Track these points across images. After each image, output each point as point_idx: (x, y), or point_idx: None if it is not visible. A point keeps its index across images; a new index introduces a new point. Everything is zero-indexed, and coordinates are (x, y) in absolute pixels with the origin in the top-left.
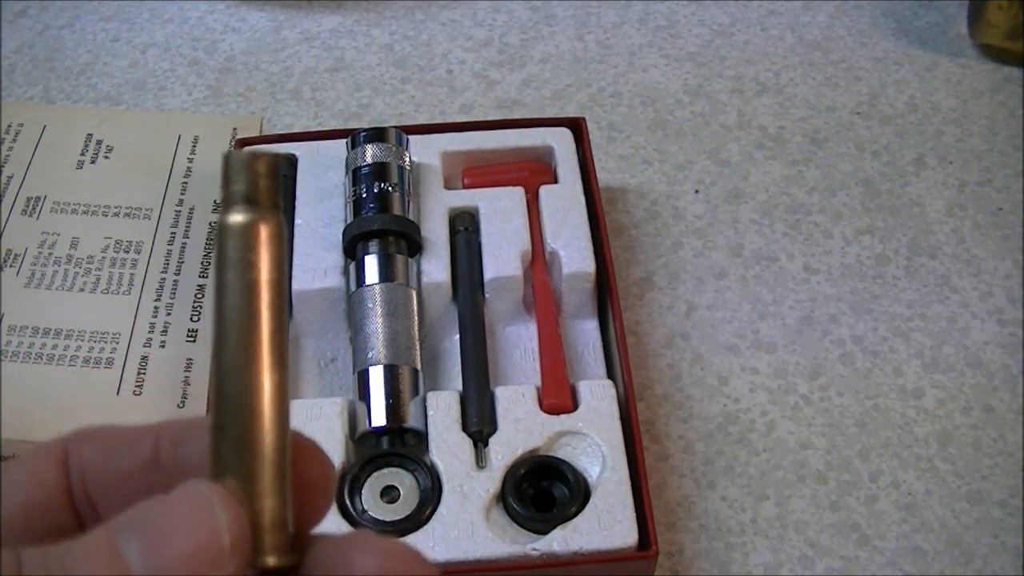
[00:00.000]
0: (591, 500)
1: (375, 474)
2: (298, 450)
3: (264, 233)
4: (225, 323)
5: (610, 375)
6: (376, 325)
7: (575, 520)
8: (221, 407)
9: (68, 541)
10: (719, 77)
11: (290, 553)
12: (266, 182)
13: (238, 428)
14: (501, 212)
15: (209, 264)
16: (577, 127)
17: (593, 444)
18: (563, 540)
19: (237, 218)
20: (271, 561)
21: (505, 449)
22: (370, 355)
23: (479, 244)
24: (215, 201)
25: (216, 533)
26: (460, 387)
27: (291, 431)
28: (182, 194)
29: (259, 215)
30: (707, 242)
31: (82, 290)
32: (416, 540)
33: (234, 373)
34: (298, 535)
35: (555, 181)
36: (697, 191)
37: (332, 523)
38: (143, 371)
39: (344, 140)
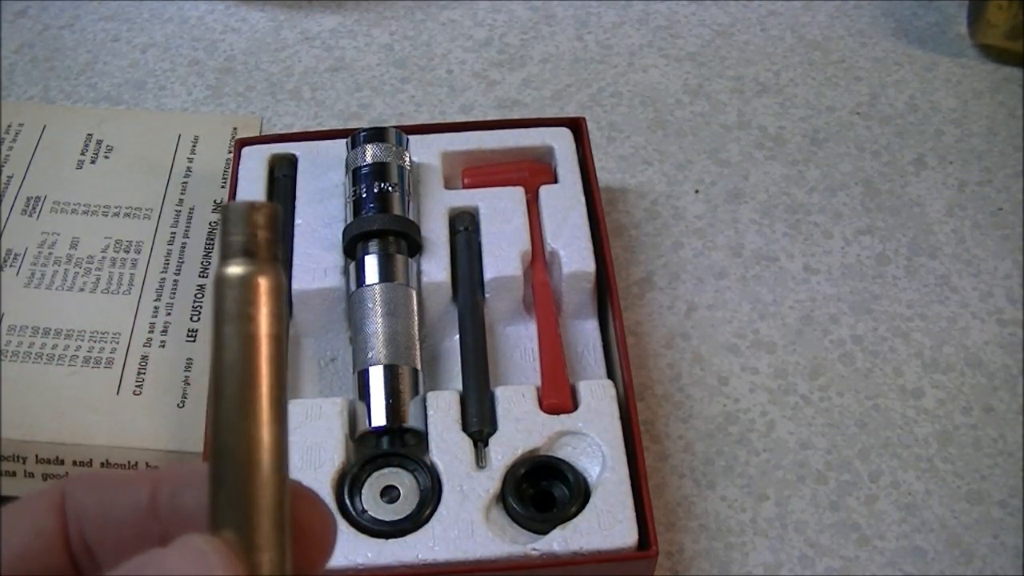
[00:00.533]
0: (591, 500)
1: (375, 474)
2: (297, 499)
3: (263, 286)
4: (223, 375)
5: (610, 375)
6: (376, 325)
7: (575, 520)
8: (219, 459)
9: None
10: (719, 77)
11: None
12: (265, 234)
13: (236, 480)
14: (501, 212)
15: (209, 264)
16: (577, 127)
17: (593, 444)
18: (563, 540)
19: (235, 270)
20: None
21: (505, 449)
22: (370, 355)
23: (479, 244)
24: (215, 201)
25: None
26: (460, 387)
27: (290, 481)
28: (182, 194)
29: (257, 267)
30: (707, 242)
31: (82, 290)
32: (416, 540)
33: (232, 426)
34: None
35: (555, 181)
36: (697, 191)
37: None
38: (143, 371)
39: (344, 140)
